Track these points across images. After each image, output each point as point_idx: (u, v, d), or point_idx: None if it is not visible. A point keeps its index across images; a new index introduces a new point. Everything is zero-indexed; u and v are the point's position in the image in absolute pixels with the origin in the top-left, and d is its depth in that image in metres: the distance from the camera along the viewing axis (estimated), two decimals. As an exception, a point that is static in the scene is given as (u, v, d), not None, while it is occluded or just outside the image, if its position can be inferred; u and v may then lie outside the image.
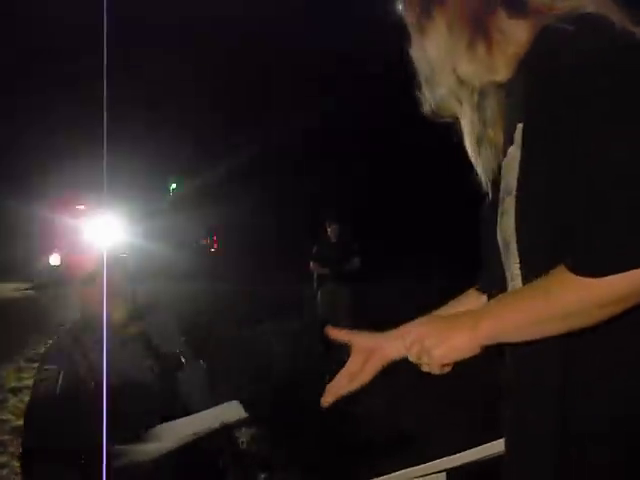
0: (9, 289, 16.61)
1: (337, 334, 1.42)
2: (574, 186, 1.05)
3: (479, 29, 1.25)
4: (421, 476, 1.71)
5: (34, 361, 7.09)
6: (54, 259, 17.79)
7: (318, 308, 7.97)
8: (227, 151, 22.14)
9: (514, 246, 1.16)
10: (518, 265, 1.16)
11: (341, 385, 1.39)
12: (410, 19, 1.32)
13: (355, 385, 1.38)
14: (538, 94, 1.15)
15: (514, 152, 1.19)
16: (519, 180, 1.15)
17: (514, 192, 1.16)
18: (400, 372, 1.41)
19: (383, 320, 1.67)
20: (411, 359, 1.22)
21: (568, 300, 1.04)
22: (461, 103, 1.31)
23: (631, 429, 1.08)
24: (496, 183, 1.30)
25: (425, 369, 1.21)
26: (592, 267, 1.00)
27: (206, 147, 23.46)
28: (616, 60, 1.07)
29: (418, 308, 1.37)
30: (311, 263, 8.08)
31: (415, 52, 1.32)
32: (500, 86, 1.31)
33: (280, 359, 7.43)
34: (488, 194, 1.33)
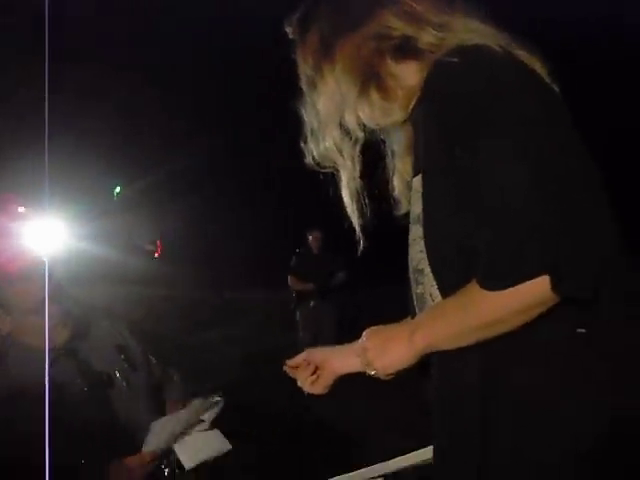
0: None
1: (290, 364, 1.52)
2: (470, 208, 1.12)
3: (370, 78, 1.33)
4: (360, 481, 1.73)
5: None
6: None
7: (298, 329, 6.98)
8: (174, 154, 21.88)
9: (428, 270, 1.22)
10: (436, 287, 1.22)
11: (302, 377, 1.44)
12: (302, 77, 1.39)
13: (314, 391, 1.44)
14: (429, 126, 1.22)
15: (418, 183, 1.26)
16: (423, 209, 1.22)
17: (421, 221, 1.24)
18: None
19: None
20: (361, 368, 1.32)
21: (484, 313, 1.12)
22: (342, 155, 1.36)
23: (551, 427, 1.13)
24: (407, 213, 1.37)
25: (374, 375, 1.31)
26: (495, 282, 1.09)
27: (152, 150, 23.14)
28: (496, 88, 1.15)
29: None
30: (289, 278, 7.05)
31: (304, 106, 1.40)
32: (406, 121, 1.36)
33: (230, 365, 7.33)
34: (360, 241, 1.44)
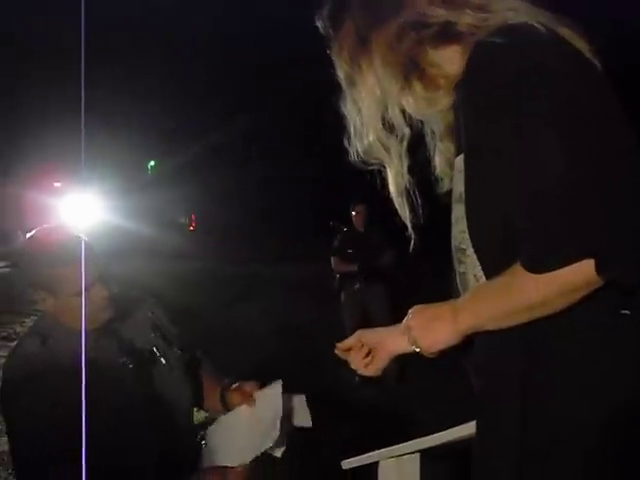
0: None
1: (342, 348, 1.46)
2: (512, 188, 1.11)
3: (412, 69, 1.29)
4: (396, 456, 1.73)
5: (10, 340, 7.05)
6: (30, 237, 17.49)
7: (343, 315, 6.34)
8: (209, 129, 22.00)
9: (471, 250, 1.22)
10: (480, 267, 1.22)
11: (356, 360, 1.43)
12: (340, 74, 1.35)
13: (369, 373, 1.42)
14: (473, 106, 1.20)
15: (460, 163, 1.24)
16: (465, 189, 1.20)
17: (463, 201, 1.22)
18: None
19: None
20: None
21: (528, 295, 1.11)
22: (388, 152, 1.33)
23: (589, 405, 1.13)
24: (449, 192, 1.35)
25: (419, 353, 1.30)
26: (539, 264, 1.07)
27: (187, 125, 23.28)
28: (541, 66, 1.13)
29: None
30: (332, 259, 6.38)
31: (346, 105, 1.35)
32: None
33: (267, 338, 7.38)
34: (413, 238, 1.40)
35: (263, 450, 1.91)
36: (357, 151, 1.35)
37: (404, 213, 1.37)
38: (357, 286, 6.18)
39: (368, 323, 5.68)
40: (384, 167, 1.36)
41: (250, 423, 2.06)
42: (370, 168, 1.37)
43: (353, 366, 1.44)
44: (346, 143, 1.37)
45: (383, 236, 6.13)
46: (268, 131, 22.53)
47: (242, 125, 20.66)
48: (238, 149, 22.98)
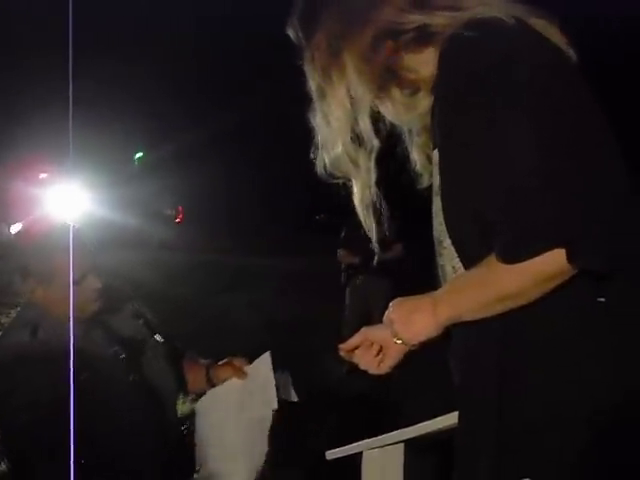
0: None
1: (347, 348, 1.42)
2: (485, 180, 1.12)
3: (388, 77, 1.29)
4: (380, 447, 1.75)
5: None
6: (15, 228, 17.42)
7: (345, 309, 6.23)
8: (195, 121, 21.89)
9: (448, 242, 1.22)
10: (458, 259, 1.25)
11: (367, 359, 1.40)
12: (311, 85, 1.35)
13: (382, 371, 1.41)
14: (444, 99, 1.21)
15: (437, 156, 1.25)
16: (441, 182, 1.21)
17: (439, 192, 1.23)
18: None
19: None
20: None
21: (503, 285, 1.14)
22: (356, 165, 1.33)
23: (565, 394, 1.14)
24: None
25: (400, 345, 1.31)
26: (512, 255, 1.09)
27: (173, 117, 23.14)
28: (510, 57, 1.13)
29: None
30: (338, 251, 6.31)
31: (315, 116, 1.35)
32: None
33: (254, 330, 7.35)
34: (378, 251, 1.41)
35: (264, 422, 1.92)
36: (324, 164, 1.34)
37: (369, 226, 1.37)
38: (359, 279, 6.13)
39: (370, 318, 5.57)
40: (349, 180, 1.36)
41: (242, 397, 2.06)
42: (336, 181, 1.36)
43: (362, 366, 1.41)
44: (312, 155, 1.36)
45: (391, 229, 5.79)
46: (256, 126, 22.44)
47: (229, 118, 20.56)
48: (225, 141, 22.87)
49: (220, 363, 2.18)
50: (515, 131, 1.09)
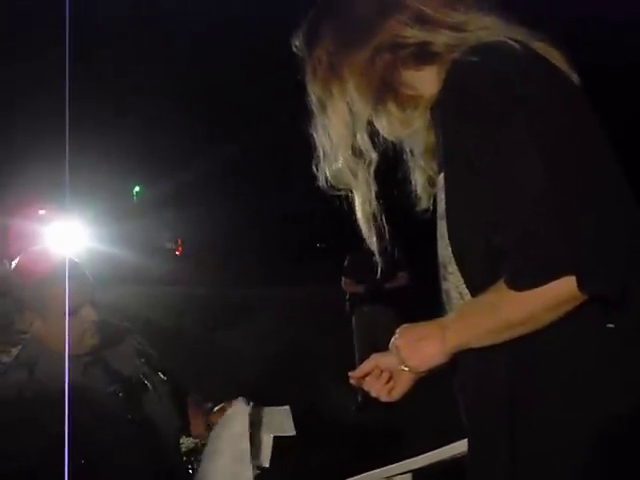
0: (-31, 296, 16.23)
1: (358, 375, 1.40)
2: (492, 205, 1.12)
3: (386, 92, 1.29)
4: (387, 477, 1.72)
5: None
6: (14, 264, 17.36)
7: (353, 336, 6.17)
8: (192, 154, 21.99)
9: (453, 267, 1.23)
10: (464, 284, 1.24)
11: (377, 387, 1.37)
12: (312, 99, 1.36)
13: (393, 399, 1.38)
14: (450, 124, 1.21)
15: (442, 180, 1.25)
16: (446, 207, 1.21)
17: (445, 217, 1.22)
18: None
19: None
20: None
21: (512, 312, 1.12)
22: (356, 178, 1.34)
23: (576, 419, 1.13)
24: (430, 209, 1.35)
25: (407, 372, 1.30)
26: (522, 282, 1.09)
27: (170, 150, 23.27)
28: (516, 83, 1.12)
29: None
30: (342, 279, 6.25)
31: (316, 130, 1.35)
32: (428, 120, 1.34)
33: (253, 363, 7.32)
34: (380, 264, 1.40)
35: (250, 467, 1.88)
36: (326, 176, 1.35)
37: (371, 239, 1.37)
38: (366, 309, 6.05)
39: (380, 346, 5.51)
40: (352, 192, 1.36)
41: (221, 445, 2.02)
42: (338, 193, 1.37)
43: (374, 394, 1.38)
44: (314, 168, 1.36)
45: (397, 258, 5.86)
46: (255, 157, 22.57)
47: (227, 151, 20.68)
48: (223, 174, 22.98)
49: (216, 408, 2.15)
50: (523, 157, 1.09)
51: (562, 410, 1.14)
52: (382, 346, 1.32)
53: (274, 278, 15.97)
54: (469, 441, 1.27)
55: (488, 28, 1.22)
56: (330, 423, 5.02)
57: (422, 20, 1.24)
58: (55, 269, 1.92)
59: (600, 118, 1.17)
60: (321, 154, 1.35)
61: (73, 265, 1.94)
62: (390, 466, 1.68)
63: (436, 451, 1.58)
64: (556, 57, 1.23)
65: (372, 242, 1.39)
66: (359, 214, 1.37)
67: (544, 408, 1.15)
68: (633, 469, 1.14)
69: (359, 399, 5.43)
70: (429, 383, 1.37)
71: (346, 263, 6.28)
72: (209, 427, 2.13)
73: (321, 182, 1.36)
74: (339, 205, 1.40)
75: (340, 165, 1.33)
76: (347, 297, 6.29)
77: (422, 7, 1.24)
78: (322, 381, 5.86)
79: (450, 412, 1.35)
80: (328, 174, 1.35)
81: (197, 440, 2.14)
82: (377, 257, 1.40)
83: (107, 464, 1.86)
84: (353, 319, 6.18)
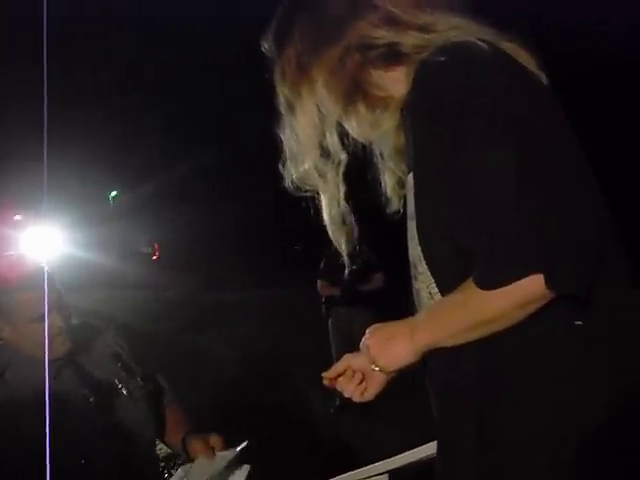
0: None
1: (330, 376, 1.39)
2: (460, 206, 1.13)
3: (355, 92, 1.30)
4: (364, 478, 1.73)
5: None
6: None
7: (330, 338, 6.15)
8: (170, 158, 21.86)
9: (423, 267, 1.24)
10: (434, 283, 1.25)
11: (350, 387, 1.37)
12: (280, 99, 1.36)
13: (366, 399, 1.39)
14: (418, 125, 1.22)
15: (411, 181, 1.26)
16: (416, 207, 1.22)
17: (415, 218, 1.24)
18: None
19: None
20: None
21: (481, 311, 1.14)
22: (324, 179, 1.34)
23: (544, 418, 1.15)
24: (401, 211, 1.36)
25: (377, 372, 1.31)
26: (490, 281, 1.10)
27: (147, 154, 23.10)
28: (485, 83, 1.14)
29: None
30: (318, 282, 6.22)
31: (283, 131, 1.36)
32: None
33: (231, 367, 7.29)
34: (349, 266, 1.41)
35: None
36: (292, 177, 1.35)
37: (339, 241, 1.37)
38: (341, 311, 6.05)
39: (356, 348, 5.45)
40: (318, 194, 1.36)
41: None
42: (304, 194, 1.37)
43: (347, 394, 1.38)
44: (281, 169, 1.36)
45: (372, 260, 5.92)
46: (232, 161, 22.47)
47: (205, 154, 20.57)
48: (202, 178, 22.86)
49: (197, 436, 2.12)
50: (490, 157, 1.10)
51: (529, 408, 1.16)
52: (359, 348, 1.33)
53: (255, 281, 15.91)
54: (438, 440, 1.28)
55: (457, 28, 1.23)
56: (309, 424, 5.03)
57: (391, 21, 1.25)
58: (21, 276, 1.93)
59: (575, 118, 1.19)
60: (287, 155, 1.36)
61: (40, 272, 1.94)
62: (367, 467, 1.69)
63: (413, 451, 1.59)
64: (525, 58, 1.24)
65: (340, 244, 1.39)
66: (326, 216, 1.37)
67: (511, 405, 1.17)
68: (604, 465, 1.16)
69: (337, 401, 5.46)
70: (405, 383, 1.38)
71: (321, 266, 6.21)
72: (184, 447, 2.10)
73: (287, 183, 1.36)
74: (306, 207, 1.40)
75: (308, 166, 1.33)
76: (323, 299, 6.26)
77: (391, 8, 1.25)
78: (302, 383, 5.87)
79: (426, 412, 1.36)
80: (294, 175, 1.35)
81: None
82: (346, 259, 1.41)
83: (79, 468, 1.86)
84: (329, 321, 6.14)
